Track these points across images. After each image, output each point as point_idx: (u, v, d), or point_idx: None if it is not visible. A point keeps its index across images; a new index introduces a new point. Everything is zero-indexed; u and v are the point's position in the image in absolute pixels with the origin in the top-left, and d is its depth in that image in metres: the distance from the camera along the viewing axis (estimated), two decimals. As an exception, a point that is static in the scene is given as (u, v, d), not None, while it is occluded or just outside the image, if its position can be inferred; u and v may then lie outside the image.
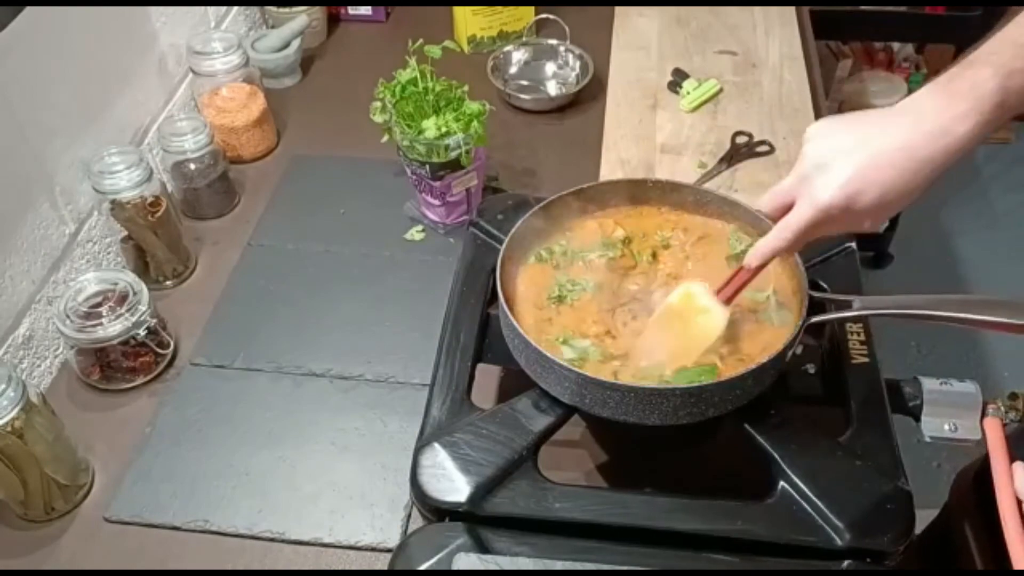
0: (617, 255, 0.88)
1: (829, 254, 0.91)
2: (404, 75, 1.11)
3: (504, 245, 0.84)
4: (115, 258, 1.16)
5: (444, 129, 1.08)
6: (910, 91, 2.45)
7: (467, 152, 1.09)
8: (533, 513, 0.72)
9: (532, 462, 0.75)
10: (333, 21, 1.62)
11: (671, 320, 0.80)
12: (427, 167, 1.10)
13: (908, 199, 0.68)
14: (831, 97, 2.19)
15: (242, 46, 1.29)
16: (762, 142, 1.29)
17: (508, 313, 0.79)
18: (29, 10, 0.96)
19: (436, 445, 0.75)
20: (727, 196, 0.90)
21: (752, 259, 0.74)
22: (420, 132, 1.08)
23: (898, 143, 0.66)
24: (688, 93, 1.37)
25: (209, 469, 0.92)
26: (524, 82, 1.48)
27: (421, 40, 1.10)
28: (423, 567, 0.69)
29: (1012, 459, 0.74)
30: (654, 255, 0.88)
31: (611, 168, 1.27)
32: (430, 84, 1.11)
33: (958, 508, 0.98)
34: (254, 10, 1.55)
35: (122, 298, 0.97)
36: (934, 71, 2.44)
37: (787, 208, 0.72)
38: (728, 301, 0.77)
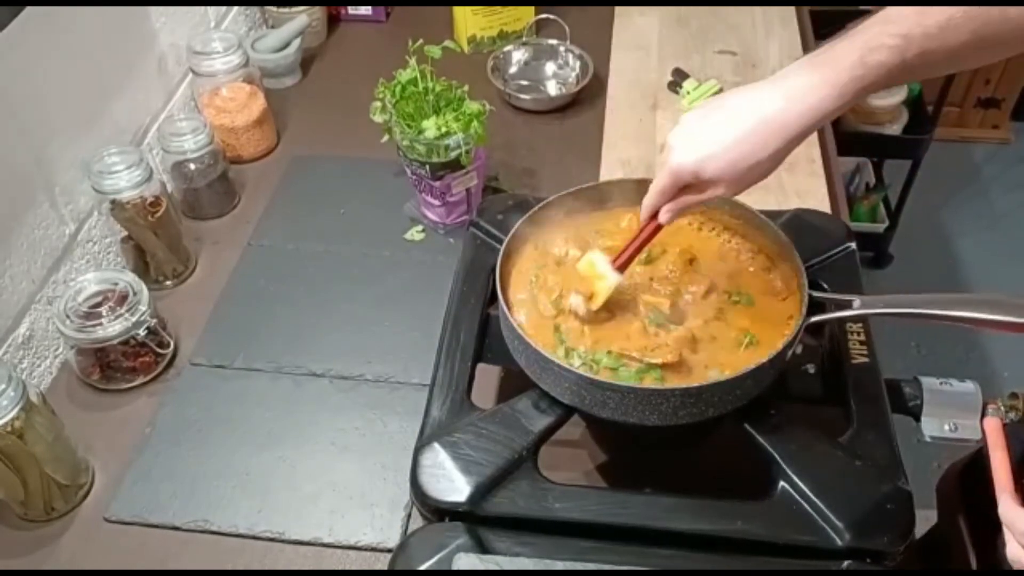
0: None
1: (829, 254, 0.91)
2: (404, 75, 1.11)
3: (504, 245, 0.84)
4: (115, 258, 1.16)
5: (444, 129, 1.08)
6: (909, 91, 2.44)
7: (467, 152, 1.09)
8: (533, 513, 0.72)
9: (532, 462, 0.75)
10: (333, 21, 1.62)
11: (581, 284, 0.84)
12: (427, 167, 1.10)
13: (761, 167, 0.70)
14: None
15: (242, 46, 1.29)
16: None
17: (508, 313, 0.79)
18: (29, 10, 0.96)
19: (436, 445, 0.75)
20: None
21: (641, 216, 0.79)
22: (420, 132, 1.08)
23: (747, 109, 0.69)
24: (688, 93, 1.37)
25: (209, 469, 0.92)
26: (524, 82, 1.48)
27: (421, 40, 1.10)
28: (423, 567, 0.69)
29: (1012, 459, 0.74)
30: (649, 259, 0.88)
31: (611, 168, 1.27)
32: (430, 84, 1.11)
33: (946, 505, 0.99)
34: (254, 10, 1.55)
35: (122, 298, 0.97)
36: (934, 71, 2.45)
37: None
38: (622, 268, 0.80)
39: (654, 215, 0.78)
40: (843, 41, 0.68)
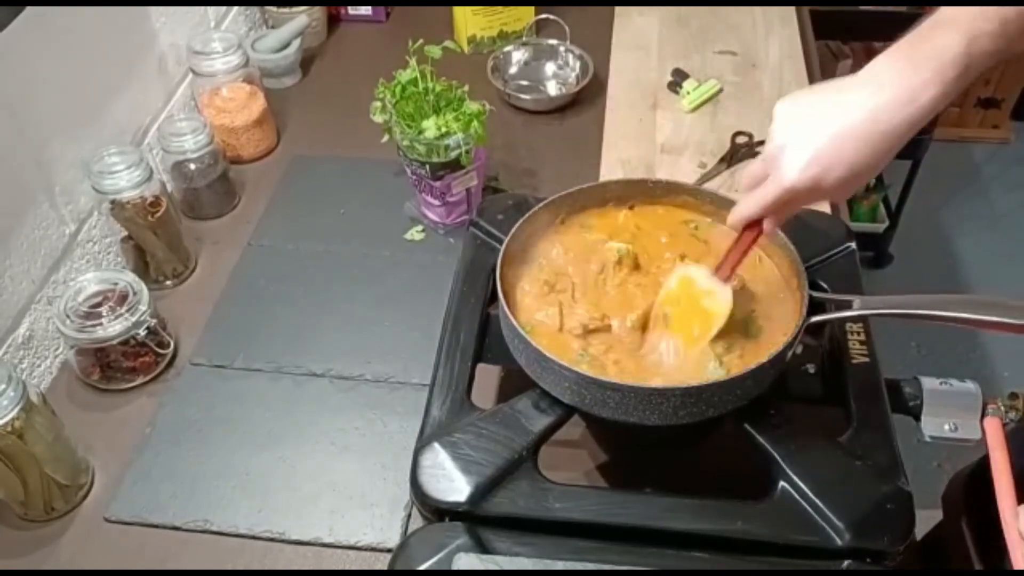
0: (615, 258, 0.88)
1: (829, 254, 0.91)
2: (404, 75, 1.11)
3: (504, 245, 0.84)
4: (115, 258, 1.16)
5: (444, 129, 1.08)
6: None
7: (467, 152, 1.09)
8: (533, 513, 0.72)
9: (532, 462, 0.75)
10: (333, 21, 1.62)
11: (673, 307, 0.80)
12: (427, 167, 1.10)
13: (874, 171, 0.68)
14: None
15: (242, 46, 1.29)
16: (762, 142, 1.29)
17: (508, 313, 0.79)
18: (29, 10, 0.96)
19: (436, 445, 0.75)
20: (727, 196, 0.90)
21: (729, 221, 0.76)
22: (420, 132, 1.08)
23: (860, 117, 0.66)
24: (688, 93, 1.37)
25: (209, 469, 0.92)
26: (524, 82, 1.48)
27: (421, 40, 1.10)
28: (423, 567, 0.69)
29: (1012, 459, 0.74)
30: (636, 263, 0.88)
31: (611, 168, 1.27)
32: (430, 84, 1.11)
33: (951, 512, 0.99)
34: (254, 10, 1.55)
35: (122, 298, 0.97)
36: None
37: (761, 182, 0.73)
38: (727, 278, 0.78)
39: (755, 223, 0.75)
40: (938, 32, 0.64)
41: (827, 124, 0.67)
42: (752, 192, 0.73)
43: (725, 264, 0.78)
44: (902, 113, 0.65)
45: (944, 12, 0.65)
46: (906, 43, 0.66)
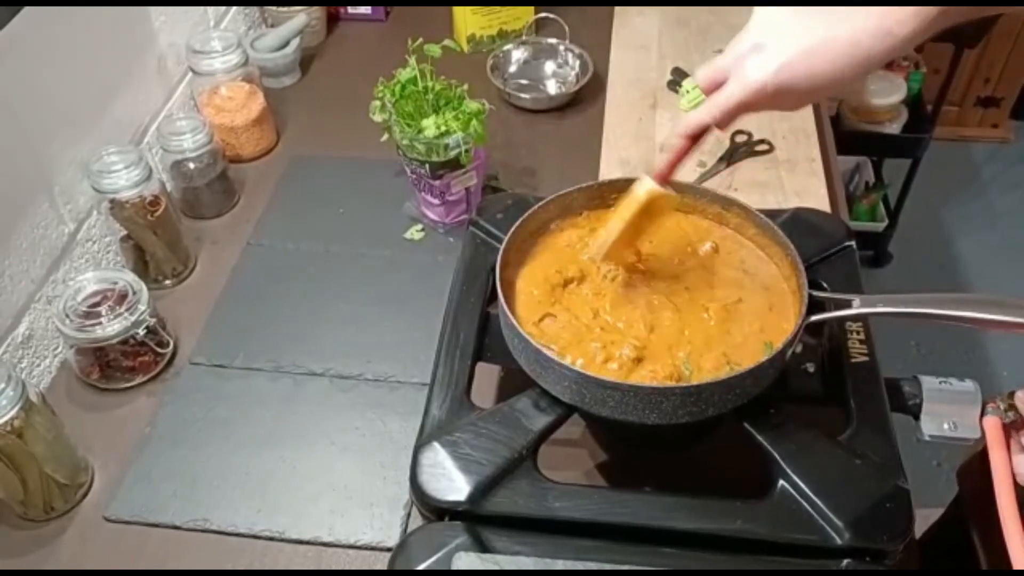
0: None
1: (829, 253, 0.91)
2: (404, 74, 1.11)
3: (504, 244, 0.84)
4: (115, 258, 1.16)
5: (444, 128, 1.08)
6: (910, 90, 2.43)
7: (467, 151, 1.09)
8: (533, 512, 0.72)
9: (532, 461, 0.75)
10: (333, 20, 1.62)
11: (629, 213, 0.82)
12: (427, 166, 1.10)
13: (833, 90, 0.68)
14: (831, 96, 2.20)
15: (241, 45, 1.29)
16: (761, 141, 1.29)
17: (508, 313, 0.79)
18: (28, 10, 0.96)
19: (436, 444, 0.75)
20: (726, 195, 0.90)
21: (680, 129, 0.75)
22: (420, 131, 1.08)
23: (842, 36, 0.66)
24: (688, 92, 1.37)
25: (209, 469, 0.92)
26: (524, 81, 1.48)
27: (421, 39, 1.10)
28: (423, 567, 0.69)
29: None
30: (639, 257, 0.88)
31: (611, 168, 1.27)
32: (430, 83, 1.11)
33: (970, 497, 0.98)
34: (254, 9, 1.55)
35: (121, 297, 0.97)
36: (934, 70, 2.45)
37: (719, 84, 0.72)
38: (665, 179, 0.78)
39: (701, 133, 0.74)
40: None
41: (807, 34, 0.66)
42: (712, 98, 0.71)
43: (665, 169, 0.78)
44: (881, 43, 0.65)
45: None
46: None
